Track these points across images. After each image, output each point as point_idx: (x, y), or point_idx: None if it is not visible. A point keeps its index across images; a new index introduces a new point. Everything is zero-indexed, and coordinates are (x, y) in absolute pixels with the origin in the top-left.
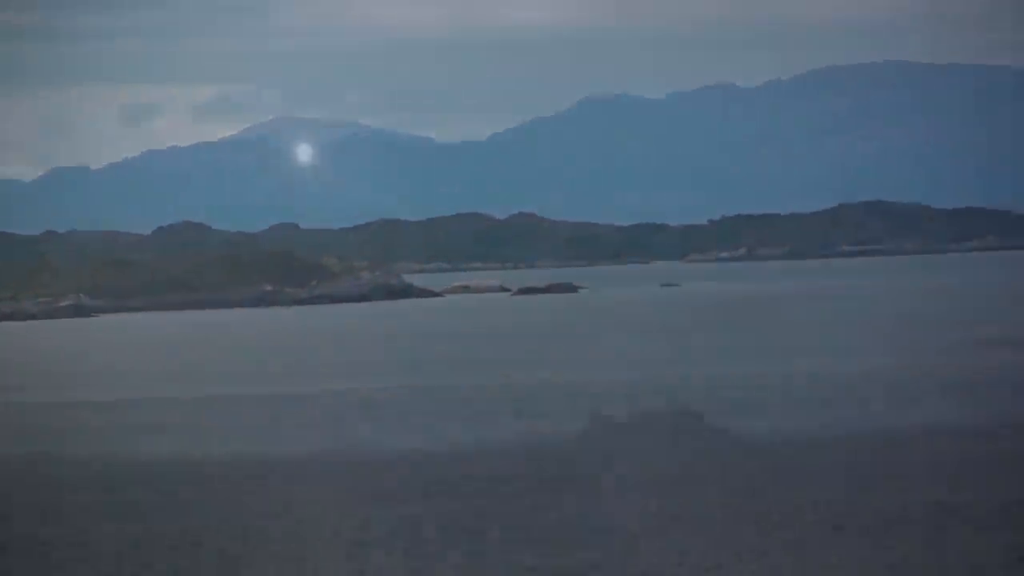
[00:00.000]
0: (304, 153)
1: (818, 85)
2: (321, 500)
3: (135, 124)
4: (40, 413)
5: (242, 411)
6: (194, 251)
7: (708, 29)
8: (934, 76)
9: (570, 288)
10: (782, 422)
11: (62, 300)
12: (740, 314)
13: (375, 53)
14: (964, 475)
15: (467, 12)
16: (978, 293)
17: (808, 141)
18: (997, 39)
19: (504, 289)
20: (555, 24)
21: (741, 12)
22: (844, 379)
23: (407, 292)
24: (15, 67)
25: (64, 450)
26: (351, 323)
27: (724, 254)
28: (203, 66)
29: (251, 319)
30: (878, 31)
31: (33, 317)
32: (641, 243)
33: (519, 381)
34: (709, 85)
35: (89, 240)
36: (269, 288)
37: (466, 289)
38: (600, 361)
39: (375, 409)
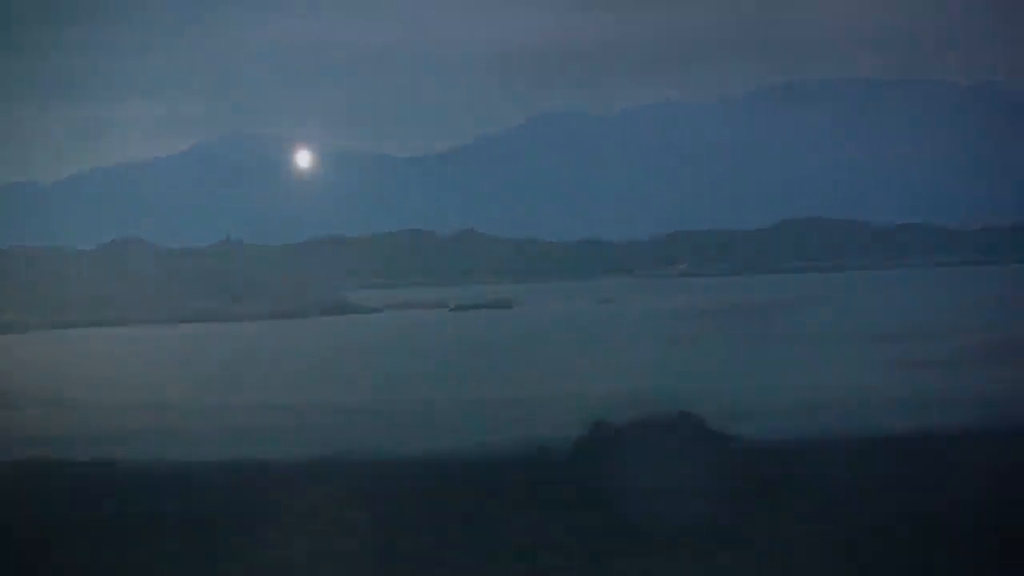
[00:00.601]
0: (254, 169)
1: (767, 103)
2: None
3: (85, 139)
4: None
5: (184, 420)
6: (134, 267)
7: (659, 47)
8: (879, 92)
9: (506, 304)
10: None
11: (0, 315)
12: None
13: (327, 69)
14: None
15: (419, 29)
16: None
17: (753, 158)
18: (946, 55)
19: (442, 305)
20: (508, 41)
21: (695, 30)
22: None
23: (348, 308)
24: None
25: None
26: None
27: (666, 270)
28: (154, 81)
29: (189, 334)
30: (825, 48)
31: None
32: (584, 260)
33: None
34: (659, 102)
35: (33, 255)
36: (209, 304)
37: (405, 305)
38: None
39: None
